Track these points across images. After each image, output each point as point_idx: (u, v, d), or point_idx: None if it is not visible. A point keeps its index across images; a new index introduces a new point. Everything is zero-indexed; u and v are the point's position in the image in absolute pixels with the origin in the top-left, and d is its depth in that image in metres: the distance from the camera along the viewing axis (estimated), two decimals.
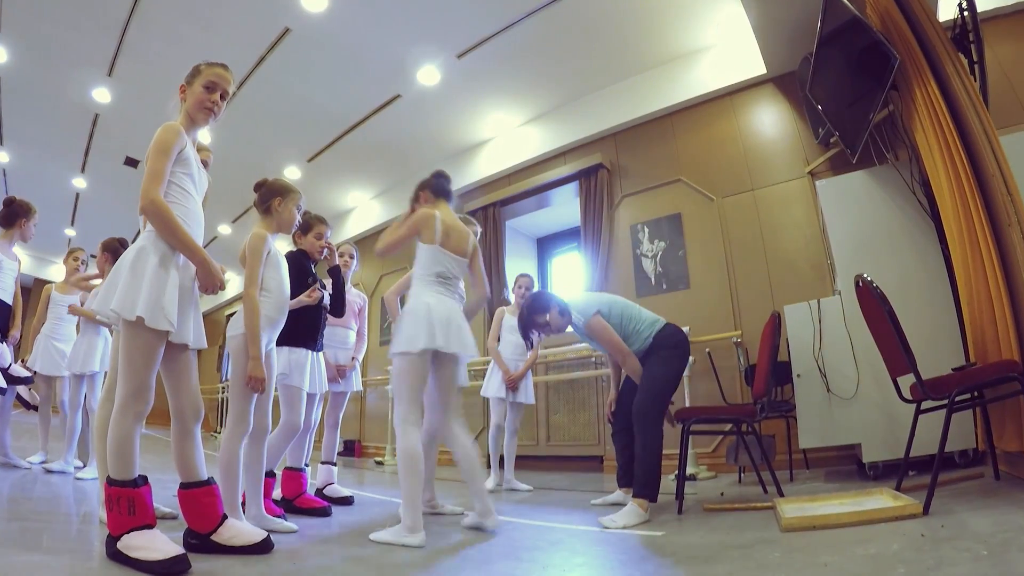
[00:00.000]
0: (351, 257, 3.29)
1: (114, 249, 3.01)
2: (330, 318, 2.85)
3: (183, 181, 1.72)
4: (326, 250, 2.77)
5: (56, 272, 10.94)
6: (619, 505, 2.53)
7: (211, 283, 1.74)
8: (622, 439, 2.73)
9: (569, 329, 2.76)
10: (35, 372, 3.69)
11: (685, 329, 2.84)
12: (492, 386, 3.68)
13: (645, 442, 2.37)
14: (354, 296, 3.32)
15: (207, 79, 1.80)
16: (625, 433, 2.66)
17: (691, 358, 3.30)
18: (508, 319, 3.78)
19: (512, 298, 3.94)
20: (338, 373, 3.12)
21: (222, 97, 1.83)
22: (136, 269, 1.59)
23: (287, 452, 2.62)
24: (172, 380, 1.71)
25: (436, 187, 2.37)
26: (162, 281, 1.61)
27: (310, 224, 2.76)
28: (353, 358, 3.25)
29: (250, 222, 8.33)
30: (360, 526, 2.31)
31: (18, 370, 3.47)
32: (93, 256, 3.67)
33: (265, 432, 2.13)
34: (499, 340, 3.76)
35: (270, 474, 2.44)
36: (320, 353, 2.74)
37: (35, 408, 3.83)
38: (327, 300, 2.74)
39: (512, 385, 3.61)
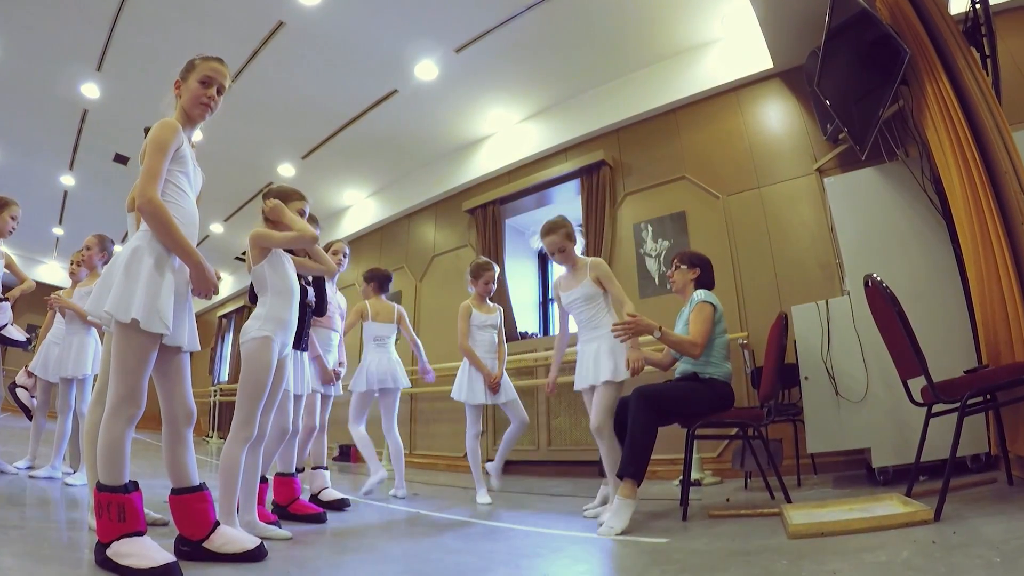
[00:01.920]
0: (344, 256, 3.29)
1: (109, 249, 3.01)
2: (318, 320, 2.84)
3: (179, 180, 1.72)
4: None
5: (44, 272, 10.94)
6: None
7: (205, 287, 1.74)
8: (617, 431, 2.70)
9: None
10: (34, 375, 3.69)
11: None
12: (470, 391, 3.30)
13: (634, 416, 2.36)
14: (341, 299, 3.32)
15: (203, 73, 1.79)
16: (620, 427, 2.63)
17: None
18: (477, 315, 3.38)
19: (474, 290, 3.47)
20: (334, 374, 3.12)
21: (218, 92, 1.83)
22: (131, 270, 1.59)
23: (277, 457, 2.61)
24: (165, 383, 1.71)
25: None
26: (157, 283, 1.61)
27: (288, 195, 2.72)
28: (340, 363, 3.24)
29: (243, 220, 8.35)
30: (356, 532, 2.31)
31: (13, 332, 3.42)
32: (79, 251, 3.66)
33: (263, 438, 2.13)
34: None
35: (262, 479, 2.44)
36: (304, 353, 2.73)
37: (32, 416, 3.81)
38: (311, 297, 2.72)
39: (495, 387, 3.32)
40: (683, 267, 2.91)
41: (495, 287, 3.52)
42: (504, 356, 3.48)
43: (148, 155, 1.65)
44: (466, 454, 3.59)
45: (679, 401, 2.51)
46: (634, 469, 2.27)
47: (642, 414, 2.36)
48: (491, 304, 3.52)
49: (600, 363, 2.58)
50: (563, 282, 2.84)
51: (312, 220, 2.71)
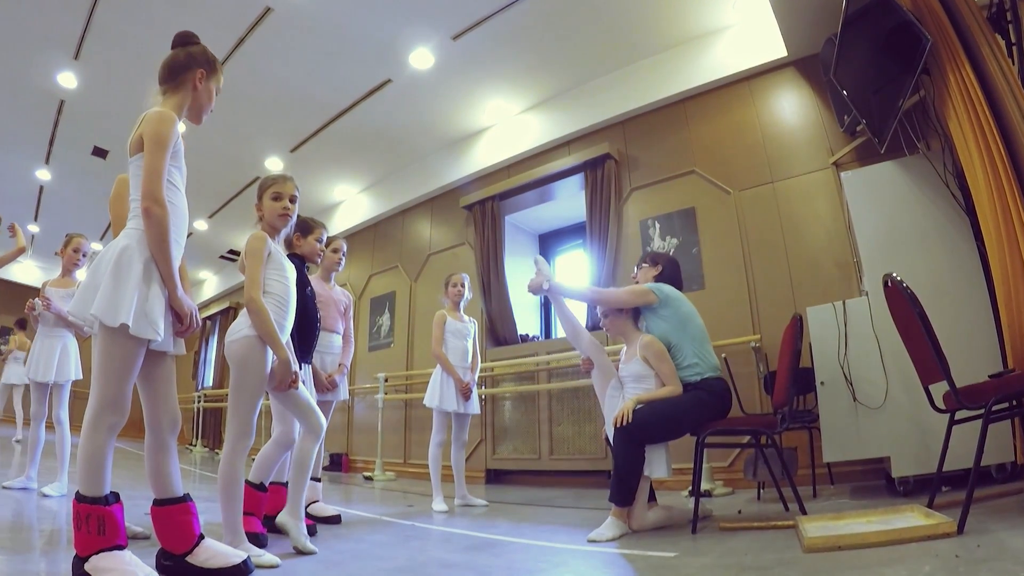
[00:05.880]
0: (342, 253, 3.31)
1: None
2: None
3: (173, 176, 1.73)
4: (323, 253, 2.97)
5: (20, 271, 10.95)
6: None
7: (184, 313, 1.73)
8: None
9: None
10: None
11: None
12: (443, 397, 3.57)
13: (616, 450, 2.51)
14: (339, 295, 3.33)
15: (220, 84, 1.91)
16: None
17: None
18: (451, 323, 3.71)
19: (448, 302, 3.84)
20: (327, 382, 3.12)
21: None
22: (120, 271, 1.59)
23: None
24: (150, 389, 1.71)
25: None
26: (148, 285, 1.62)
27: (310, 226, 2.85)
28: (341, 364, 3.25)
29: (229, 217, 8.36)
30: (348, 546, 2.31)
31: None
32: (57, 254, 3.67)
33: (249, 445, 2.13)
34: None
35: (261, 488, 2.45)
36: (310, 365, 2.78)
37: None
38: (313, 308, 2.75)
39: (466, 394, 3.61)
40: (645, 265, 3.00)
41: (467, 292, 3.87)
42: (477, 366, 3.84)
43: (151, 153, 1.65)
44: (450, 463, 3.66)
45: (665, 428, 2.54)
46: (620, 497, 2.45)
47: (623, 448, 2.48)
48: (465, 316, 3.87)
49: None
50: (624, 354, 2.84)
51: (318, 223, 2.91)
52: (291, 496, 2.26)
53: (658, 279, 2.90)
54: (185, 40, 1.88)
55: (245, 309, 2.06)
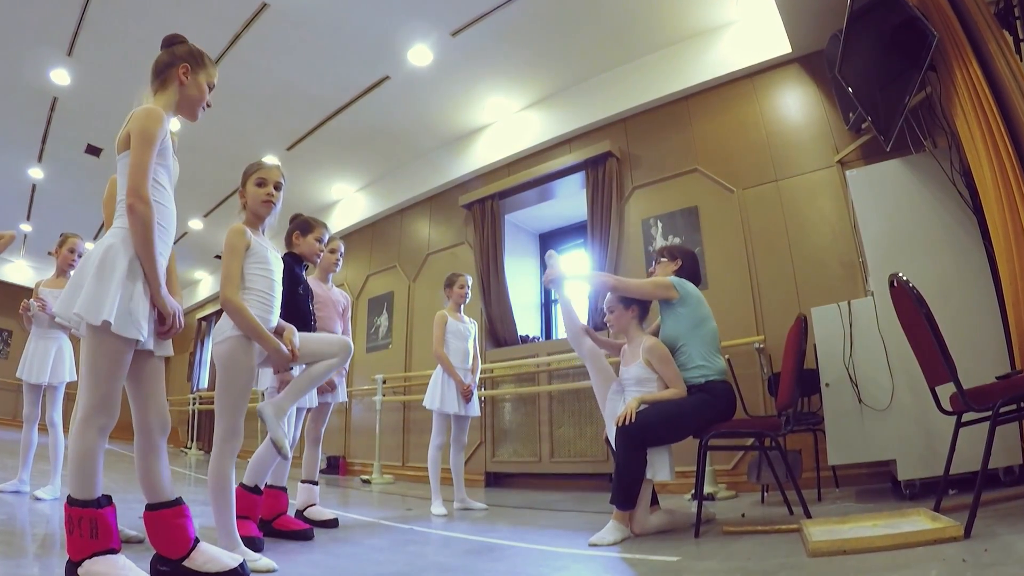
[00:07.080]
0: (340, 254, 3.32)
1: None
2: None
3: (160, 175, 1.73)
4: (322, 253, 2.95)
5: (11, 271, 10.95)
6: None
7: (166, 312, 1.72)
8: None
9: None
10: None
11: None
12: (443, 399, 3.57)
13: (617, 452, 2.49)
14: (337, 295, 3.33)
15: (212, 78, 1.91)
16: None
17: None
18: (452, 323, 3.71)
19: (449, 301, 3.82)
20: (327, 384, 3.12)
21: None
22: (104, 269, 1.59)
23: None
24: (138, 390, 1.71)
25: None
26: (132, 284, 1.61)
27: (311, 225, 2.85)
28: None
29: (224, 216, 8.36)
30: (345, 550, 2.31)
31: None
32: (51, 253, 3.67)
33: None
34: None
35: (257, 491, 2.45)
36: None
37: None
38: (308, 305, 2.75)
39: (467, 396, 3.62)
40: (663, 260, 2.98)
41: (469, 293, 3.85)
42: (478, 368, 3.84)
43: (137, 148, 1.65)
44: (449, 466, 3.66)
45: (669, 430, 2.52)
46: (622, 500, 2.44)
47: (625, 450, 2.46)
48: (465, 317, 3.87)
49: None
50: (625, 355, 2.81)
51: (319, 223, 2.91)
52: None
53: (678, 274, 2.88)
54: (170, 42, 1.89)
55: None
